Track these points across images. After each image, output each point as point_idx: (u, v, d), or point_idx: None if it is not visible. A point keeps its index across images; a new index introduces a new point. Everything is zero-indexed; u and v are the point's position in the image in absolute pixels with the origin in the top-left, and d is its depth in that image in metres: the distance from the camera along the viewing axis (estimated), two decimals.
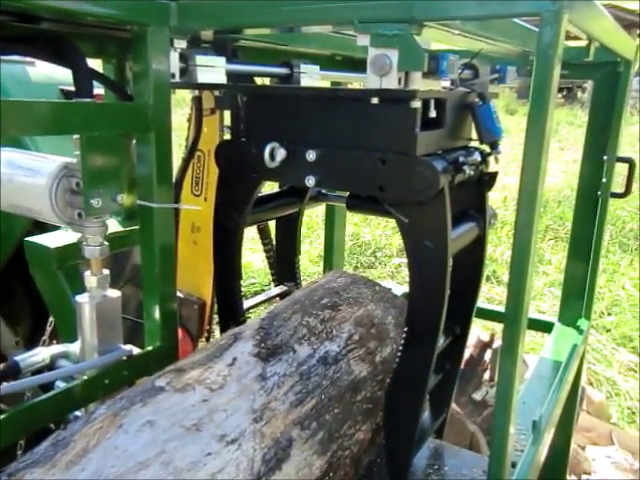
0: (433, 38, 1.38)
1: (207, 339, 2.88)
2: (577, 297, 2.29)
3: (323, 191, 1.70)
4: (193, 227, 2.73)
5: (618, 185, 2.19)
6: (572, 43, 1.61)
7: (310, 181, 1.24)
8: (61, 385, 1.25)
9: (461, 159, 1.20)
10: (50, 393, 1.18)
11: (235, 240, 1.45)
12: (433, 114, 1.16)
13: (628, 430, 3.58)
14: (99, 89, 1.59)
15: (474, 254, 1.40)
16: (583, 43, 1.53)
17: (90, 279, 1.29)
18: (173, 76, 1.30)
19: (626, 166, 2.12)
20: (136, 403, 0.93)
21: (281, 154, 1.22)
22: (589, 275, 2.23)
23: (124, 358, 1.31)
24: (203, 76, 1.27)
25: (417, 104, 1.10)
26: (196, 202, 2.68)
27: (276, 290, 1.78)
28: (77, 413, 1.29)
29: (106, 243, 1.29)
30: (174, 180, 1.50)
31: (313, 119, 1.24)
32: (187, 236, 2.73)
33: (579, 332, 2.23)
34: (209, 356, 1.09)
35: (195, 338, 2.73)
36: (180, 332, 2.39)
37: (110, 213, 1.27)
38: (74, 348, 1.33)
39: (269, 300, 1.74)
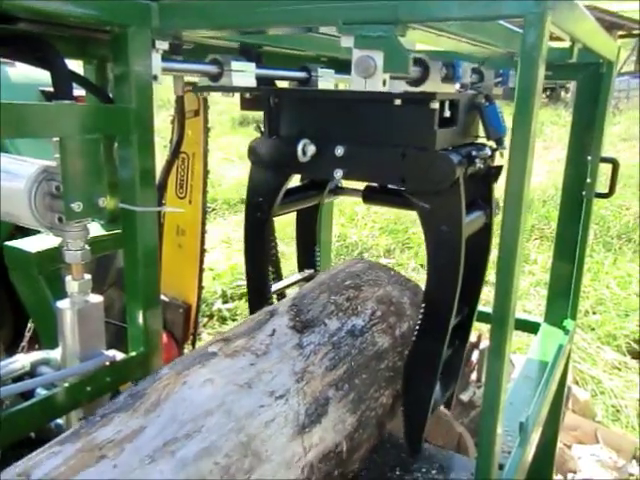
0: (418, 40, 1.38)
1: (193, 343, 2.86)
2: (563, 297, 2.30)
3: (340, 185, 1.81)
4: (178, 230, 2.72)
5: (602, 185, 2.21)
6: (555, 44, 1.62)
7: (338, 174, 1.35)
8: (42, 392, 1.23)
9: (473, 153, 1.33)
10: (30, 401, 1.16)
11: (265, 229, 1.57)
12: (447, 114, 1.28)
13: (613, 428, 3.62)
14: (81, 90, 1.56)
15: (481, 241, 1.50)
16: (566, 44, 1.54)
17: (71, 284, 1.27)
18: (155, 78, 1.29)
19: (610, 166, 2.13)
20: (195, 365, 1.07)
21: (311, 150, 1.34)
22: (574, 275, 2.25)
23: (107, 364, 1.29)
24: (237, 80, 1.40)
25: (436, 105, 1.23)
26: (181, 205, 2.66)
27: (297, 276, 1.89)
28: (59, 421, 1.26)
29: (88, 247, 1.27)
30: (157, 182, 1.49)
31: (341, 118, 1.36)
32: (172, 239, 2.71)
33: (565, 332, 2.24)
34: (250, 329, 1.22)
35: (180, 342, 2.71)
36: (165, 336, 2.37)
37: (91, 217, 1.25)
38: (55, 355, 1.31)
39: (291, 285, 1.85)
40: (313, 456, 1.07)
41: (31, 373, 1.28)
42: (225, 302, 5.03)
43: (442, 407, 1.99)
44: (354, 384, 1.23)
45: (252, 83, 1.44)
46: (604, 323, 4.71)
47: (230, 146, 12.49)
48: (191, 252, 2.69)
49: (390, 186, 1.56)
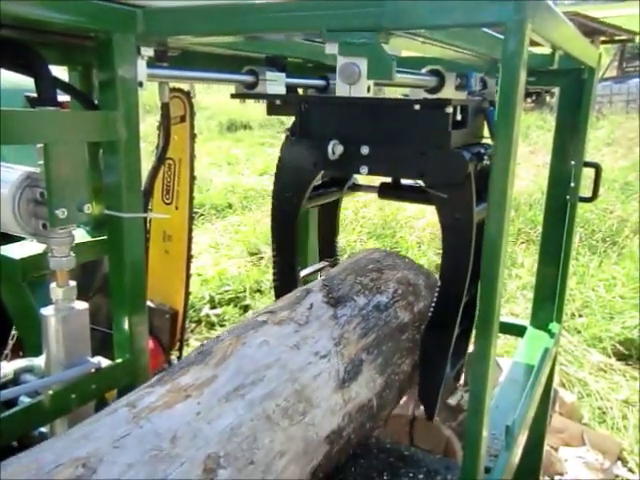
0: (402, 46, 1.39)
1: (180, 349, 2.84)
2: (549, 301, 2.32)
3: (357, 183, 2.01)
4: (164, 236, 2.70)
5: (586, 189, 2.23)
6: (538, 50, 1.65)
7: (364, 170, 1.51)
8: (25, 400, 1.21)
9: (482, 151, 1.49)
10: (13, 409, 1.15)
11: (294, 221, 1.72)
12: (459, 117, 1.46)
13: (599, 430, 3.64)
14: (66, 97, 1.55)
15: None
16: (548, 51, 1.56)
17: (56, 291, 1.26)
18: (140, 84, 1.29)
19: (593, 171, 2.16)
20: (249, 330, 1.26)
21: (340, 149, 1.49)
22: (560, 279, 2.27)
23: (92, 371, 1.28)
24: (271, 88, 1.57)
25: (450, 110, 1.40)
26: (167, 210, 2.65)
27: (318, 265, 2.06)
28: (42, 429, 1.25)
29: (73, 254, 1.26)
30: (143, 188, 1.48)
31: (366, 121, 1.52)
32: (159, 245, 2.69)
33: (551, 335, 2.26)
34: (291, 303, 1.41)
35: (167, 348, 2.69)
36: (151, 342, 2.35)
37: (76, 224, 1.24)
38: (39, 362, 1.30)
39: (313, 273, 2.00)
40: (351, 407, 1.28)
41: (14, 381, 1.27)
42: (213, 307, 5.01)
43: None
44: (381, 350, 1.43)
45: (282, 91, 1.61)
46: (590, 326, 4.74)
47: (218, 151, 12.48)
48: (178, 258, 2.68)
49: (403, 183, 1.77)
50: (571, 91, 2.04)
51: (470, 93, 1.62)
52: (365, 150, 1.49)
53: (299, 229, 1.75)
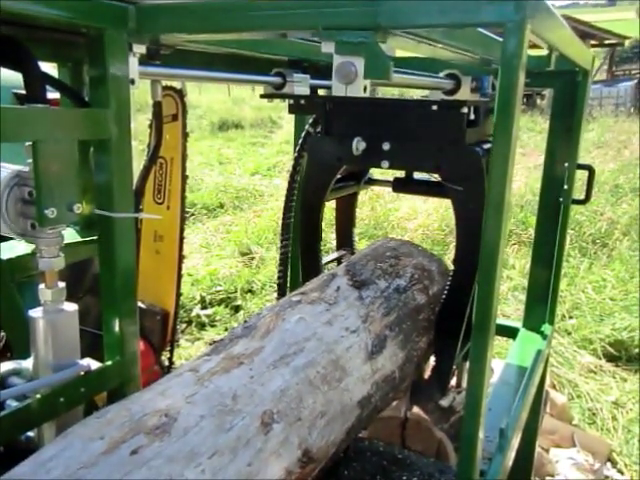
0: (398, 46, 1.38)
1: (170, 351, 2.82)
2: (541, 302, 2.32)
3: (373, 177, 2.14)
4: (156, 236, 2.68)
5: (578, 191, 2.24)
6: (532, 52, 1.65)
7: (385, 164, 1.62)
8: (12, 404, 1.18)
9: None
10: (0, 413, 1.12)
11: (318, 211, 1.84)
12: (472, 116, 1.56)
13: (589, 431, 3.66)
14: (56, 93, 1.53)
15: None
16: (543, 52, 1.56)
17: (45, 292, 1.23)
18: (132, 82, 1.26)
19: (586, 173, 2.16)
20: (287, 309, 1.40)
21: (362, 145, 1.59)
22: (552, 281, 2.27)
23: (81, 374, 1.25)
24: (297, 89, 1.70)
25: (465, 110, 1.52)
26: (158, 210, 2.63)
27: (335, 254, 2.17)
28: (30, 434, 1.22)
29: (62, 254, 1.23)
30: (135, 188, 1.46)
31: (387, 120, 1.62)
32: (150, 245, 2.67)
33: (543, 337, 2.26)
34: (319, 286, 1.54)
35: (158, 349, 2.66)
36: (142, 344, 2.32)
37: (66, 224, 1.22)
38: (27, 365, 1.27)
39: (331, 262, 2.12)
40: (378, 377, 1.42)
41: (1, 384, 1.24)
42: (204, 308, 4.98)
43: (422, 414, 2.01)
44: (402, 328, 1.55)
45: (307, 92, 1.75)
46: (580, 327, 4.76)
47: (210, 150, 12.43)
48: (169, 258, 2.65)
49: (416, 177, 1.91)
50: (565, 93, 2.04)
51: (483, 95, 1.78)
52: (386, 146, 1.60)
53: (321, 218, 1.87)
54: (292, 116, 2.15)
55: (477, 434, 1.13)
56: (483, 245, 1.03)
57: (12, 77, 2.19)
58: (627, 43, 23.43)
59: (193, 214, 7.49)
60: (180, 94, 2.41)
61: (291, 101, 1.81)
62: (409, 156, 1.62)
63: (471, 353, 1.14)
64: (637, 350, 4.46)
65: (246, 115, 17.04)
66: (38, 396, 1.17)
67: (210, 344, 1.35)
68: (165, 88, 1.77)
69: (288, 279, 2.04)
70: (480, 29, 1.32)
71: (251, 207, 7.95)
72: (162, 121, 1.66)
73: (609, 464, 3.44)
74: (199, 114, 17.27)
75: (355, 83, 1.02)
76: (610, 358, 4.42)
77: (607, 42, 22.51)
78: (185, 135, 2.51)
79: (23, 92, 1.22)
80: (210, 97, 22.29)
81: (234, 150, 12.58)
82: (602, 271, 5.78)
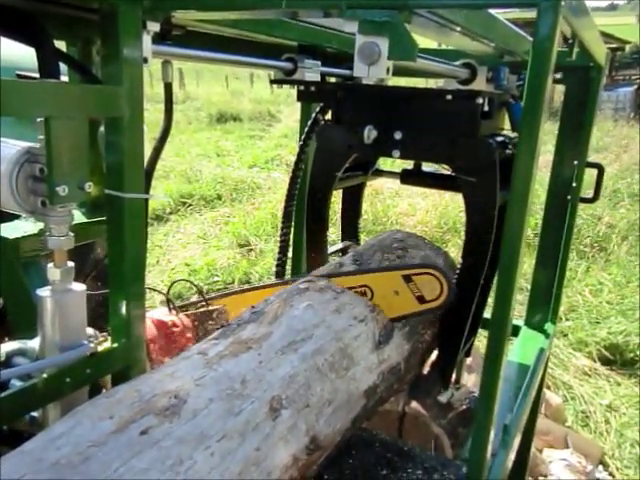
0: (417, 32, 1.35)
1: None
2: (544, 301, 2.31)
3: (380, 168, 2.11)
4: None
5: (582, 191, 2.23)
6: None
7: (396, 154, 1.60)
8: (17, 384, 1.16)
9: (506, 140, 1.60)
10: (4, 393, 1.10)
11: (326, 199, 1.83)
12: (486, 108, 1.53)
13: (582, 433, 3.66)
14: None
15: (502, 214, 1.71)
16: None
17: (53, 271, 1.20)
18: (145, 60, 1.24)
19: (594, 171, 2.15)
20: (295, 295, 1.41)
21: (374, 134, 1.57)
22: (556, 279, 2.26)
23: (88, 355, 1.23)
24: (308, 75, 1.68)
25: (480, 100, 1.49)
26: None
27: (340, 245, 2.14)
28: (34, 414, 1.20)
29: (71, 234, 1.21)
30: (145, 169, 1.43)
31: (400, 109, 1.60)
32: None
33: (545, 336, 2.26)
34: (326, 274, 1.56)
35: None
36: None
37: (77, 202, 1.19)
38: (32, 345, 1.25)
39: (336, 252, 2.09)
40: (384, 367, 1.43)
41: (6, 364, 1.22)
42: None
43: (420, 409, 2.01)
44: (409, 320, 1.56)
45: (317, 78, 1.72)
46: (576, 329, 4.77)
47: (207, 142, 12.37)
48: None
49: (424, 169, 1.88)
50: (577, 90, 2.03)
51: (498, 87, 1.74)
52: (398, 136, 1.58)
53: (329, 206, 1.86)
54: (291, 110, 2.15)
55: (489, 431, 1.13)
56: (504, 245, 1.01)
57: (14, 57, 2.17)
58: (627, 48, 23.48)
59: (191, 205, 7.46)
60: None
61: (301, 88, 1.77)
62: (421, 146, 1.59)
63: (487, 353, 1.14)
64: (632, 355, 4.47)
65: (244, 108, 16.96)
66: (44, 376, 1.15)
67: (218, 328, 1.34)
68: None
69: (287, 267, 2.04)
70: (501, 17, 1.30)
71: (249, 199, 7.92)
72: (172, 103, 1.63)
73: (601, 467, 3.45)
74: (197, 106, 17.19)
75: (378, 64, 1.00)
76: (605, 361, 4.43)
77: (607, 47, 22.56)
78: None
79: (26, 73, 1.20)
80: (208, 89, 22.20)
81: (232, 142, 12.52)
82: (599, 275, 5.79)
